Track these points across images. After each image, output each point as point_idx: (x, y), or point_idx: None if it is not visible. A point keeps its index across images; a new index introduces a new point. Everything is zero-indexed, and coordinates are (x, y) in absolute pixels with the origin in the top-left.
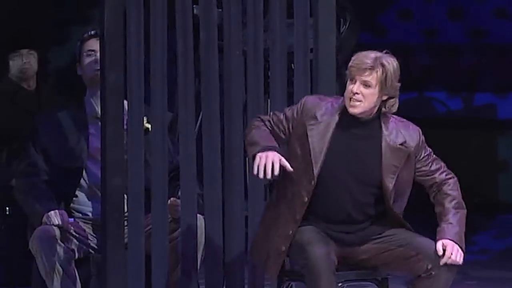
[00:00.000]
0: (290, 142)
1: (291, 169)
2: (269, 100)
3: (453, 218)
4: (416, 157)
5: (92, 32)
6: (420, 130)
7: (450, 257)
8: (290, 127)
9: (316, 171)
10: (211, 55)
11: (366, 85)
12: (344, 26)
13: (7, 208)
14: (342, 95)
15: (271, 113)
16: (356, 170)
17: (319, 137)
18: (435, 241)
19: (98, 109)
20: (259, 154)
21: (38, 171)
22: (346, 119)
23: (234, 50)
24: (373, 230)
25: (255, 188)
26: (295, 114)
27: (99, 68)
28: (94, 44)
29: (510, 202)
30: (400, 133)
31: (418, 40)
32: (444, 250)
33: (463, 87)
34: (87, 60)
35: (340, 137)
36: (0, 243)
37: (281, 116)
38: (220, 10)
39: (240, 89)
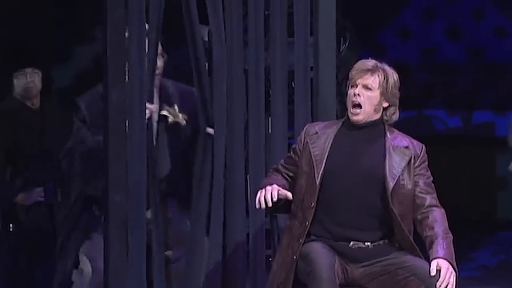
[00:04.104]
0: (299, 165)
1: (290, 197)
2: (270, 118)
3: (444, 241)
4: (415, 167)
5: None
6: (424, 147)
7: (444, 280)
8: (299, 157)
9: (319, 173)
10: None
11: (367, 87)
12: (344, 45)
13: (11, 225)
14: (342, 113)
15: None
16: (359, 170)
17: (321, 144)
18: (429, 261)
19: None
20: (259, 190)
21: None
22: (349, 126)
23: (235, 68)
24: (377, 251)
25: None
26: (300, 142)
27: None
28: None
29: (509, 219)
30: (405, 140)
31: (417, 59)
32: (438, 270)
33: (462, 105)
34: None
35: (342, 140)
36: (3, 259)
37: (290, 153)
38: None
39: (241, 107)
